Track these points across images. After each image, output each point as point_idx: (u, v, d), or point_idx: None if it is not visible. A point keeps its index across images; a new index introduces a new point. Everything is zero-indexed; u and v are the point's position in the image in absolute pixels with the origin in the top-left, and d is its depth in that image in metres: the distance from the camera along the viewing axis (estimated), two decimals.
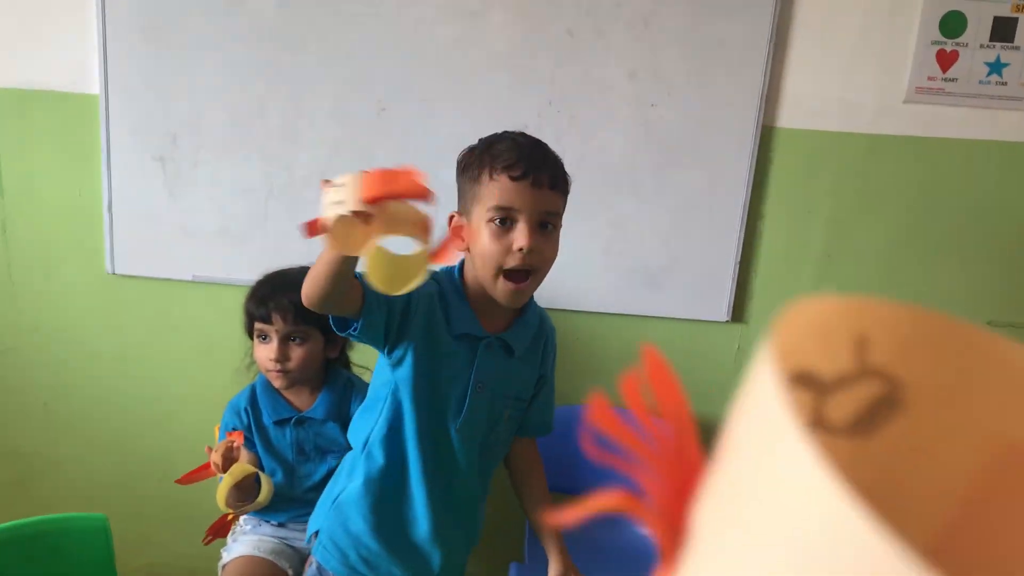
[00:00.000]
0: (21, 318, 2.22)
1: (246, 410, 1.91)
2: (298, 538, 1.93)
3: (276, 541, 1.92)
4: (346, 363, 1.99)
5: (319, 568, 1.58)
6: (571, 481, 1.77)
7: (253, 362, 1.92)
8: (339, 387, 1.92)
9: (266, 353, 1.84)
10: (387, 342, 1.43)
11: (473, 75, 2.01)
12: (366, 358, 1.98)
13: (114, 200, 2.12)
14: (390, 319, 1.39)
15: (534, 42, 1.99)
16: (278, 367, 1.82)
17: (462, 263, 1.53)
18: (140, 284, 2.18)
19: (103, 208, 2.12)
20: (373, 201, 1.05)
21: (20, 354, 2.25)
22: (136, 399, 2.29)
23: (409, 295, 1.41)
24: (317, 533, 1.60)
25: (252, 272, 2.12)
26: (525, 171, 1.38)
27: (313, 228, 1.09)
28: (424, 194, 1.05)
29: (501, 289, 1.42)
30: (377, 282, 1.10)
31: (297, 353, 1.84)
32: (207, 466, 1.75)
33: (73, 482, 2.36)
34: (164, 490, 2.36)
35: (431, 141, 2.00)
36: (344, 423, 1.87)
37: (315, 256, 1.30)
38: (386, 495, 1.53)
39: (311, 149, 2.07)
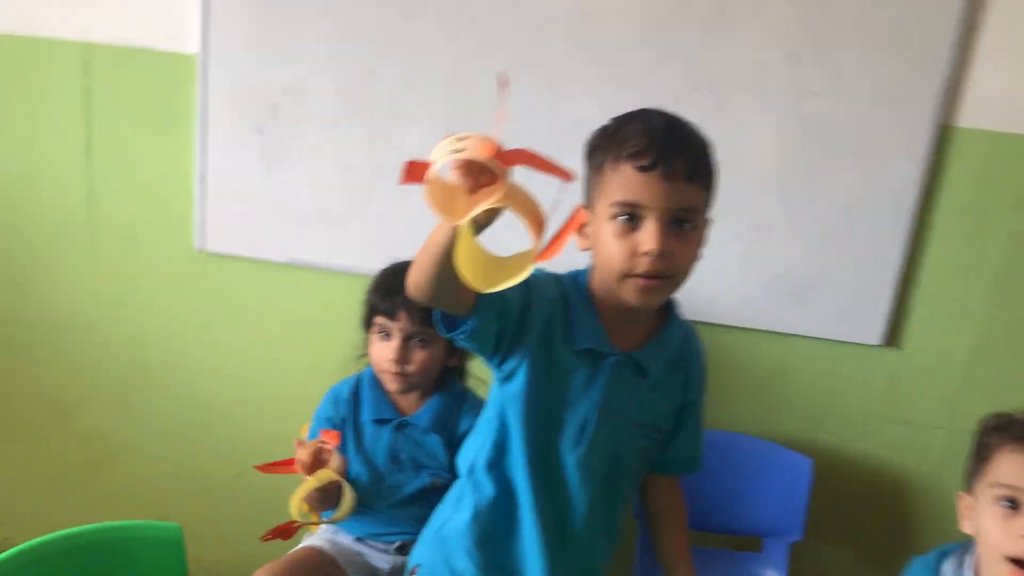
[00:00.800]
0: (104, 290, 2.08)
1: (347, 401, 1.75)
2: (377, 557, 1.73)
3: (354, 552, 1.74)
4: (462, 375, 1.79)
5: None
6: (702, 518, 1.54)
7: (364, 355, 1.75)
8: (451, 397, 1.73)
9: (384, 352, 1.67)
10: (497, 351, 1.23)
11: (607, 51, 1.79)
12: (487, 371, 1.79)
13: (207, 172, 1.96)
14: (503, 323, 1.19)
15: (679, 16, 1.76)
16: (396, 368, 1.66)
17: (587, 270, 1.32)
18: (229, 263, 2.02)
19: (194, 180, 1.96)
20: (502, 160, 0.86)
21: (101, 329, 2.12)
22: (217, 387, 2.14)
23: (529, 297, 1.21)
24: (417, 568, 1.41)
25: (350, 259, 1.95)
26: (654, 160, 1.17)
27: (414, 171, 0.89)
28: (566, 174, 0.87)
29: (629, 288, 1.21)
30: (466, 270, 0.91)
31: (419, 356, 1.67)
32: (291, 462, 1.57)
33: (146, 468, 2.22)
34: (238, 485, 2.21)
35: (555, 123, 1.78)
36: (449, 438, 1.68)
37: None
38: (494, 531, 1.34)
39: (422, 127, 1.87)
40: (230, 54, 1.88)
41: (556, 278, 1.29)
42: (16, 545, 1.40)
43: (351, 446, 1.71)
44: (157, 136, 1.96)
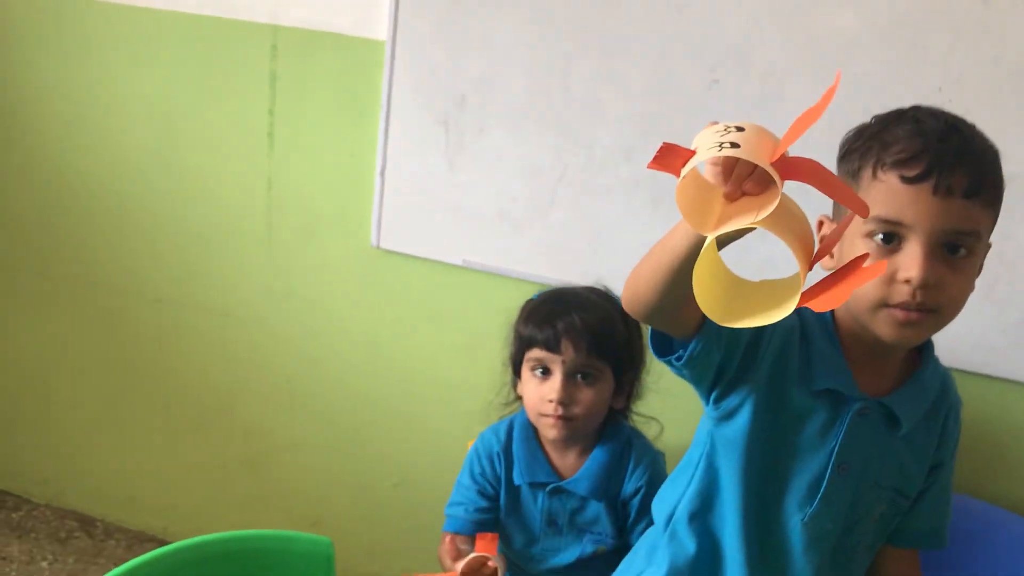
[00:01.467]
0: (276, 283, 2.02)
1: (499, 456, 1.55)
2: None
3: None
4: (627, 416, 1.60)
5: None
6: None
7: (514, 400, 1.57)
8: (615, 449, 1.51)
9: (543, 392, 1.45)
10: (717, 383, 1.05)
11: (837, 46, 1.57)
12: (651, 406, 1.61)
13: (388, 165, 1.86)
14: (731, 351, 1.00)
15: (928, 9, 1.52)
16: (559, 412, 1.43)
17: None
18: (404, 262, 1.92)
19: (375, 173, 1.87)
20: (781, 169, 0.67)
21: (271, 322, 2.06)
22: (383, 390, 2.04)
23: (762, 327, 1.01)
24: None
25: (527, 265, 1.81)
26: (926, 170, 0.97)
27: (669, 157, 0.71)
28: (862, 207, 0.68)
29: (883, 321, 1.01)
30: (703, 293, 0.72)
31: (586, 396, 1.44)
32: None
33: (305, 469, 2.15)
34: (396, 496, 2.11)
35: (775, 126, 1.58)
36: (612, 503, 1.49)
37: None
38: None
39: (616, 126, 1.70)
40: (419, 42, 1.77)
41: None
42: (176, 535, 1.35)
43: (503, 507, 1.55)
44: (340, 125, 1.87)
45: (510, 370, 1.56)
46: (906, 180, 0.97)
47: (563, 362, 1.43)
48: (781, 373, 1.05)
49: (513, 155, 1.77)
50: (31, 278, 2.17)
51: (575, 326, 1.43)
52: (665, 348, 1.02)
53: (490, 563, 1.30)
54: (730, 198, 0.72)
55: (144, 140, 2.00)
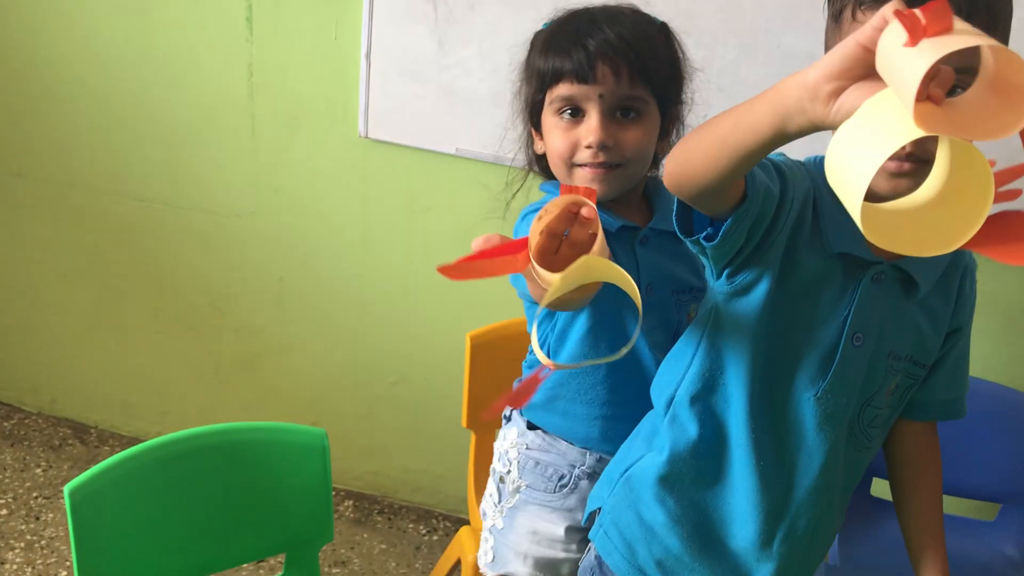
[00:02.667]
0: (261, 178, 1.94)
1: None
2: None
3: (560, 544, 1.29)
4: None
5: (598, 560, 1.17)
6: (953, 476, 1.25)
7: (530, 168, 1.27)
8: (672, 200, 1.21)
9: (577, 136, 1.13)
10: (737, 258, 0.97)
11: None
12: None
13: (374, 48, 1.76)
14: (758, 224, 0.93)
15: None
16: (601, 158, 1.12)
17: None
18: (394, 152, 1.83)
19: (360, 56, 1.77)
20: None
21: (258, 219, 1.98)
22: (378, 286, 1.98)
23: (784, 189, 0.94)
24: (598, 512, 1.19)
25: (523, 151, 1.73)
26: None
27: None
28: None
29: (882, 176, 0.93)
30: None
31: (632, 136, 1.14)
32: (513, 247, 0.91)
33: (300, 369, 2.11)
34: (396, 395, 2.07)
35: None
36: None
37: None
38: (699, 480, 1.10)
39: None
40: None
41: (803, 165, 1.02)
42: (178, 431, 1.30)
43: None
44: (322, 5, 1.76)
45: (523, 126, 1.26)
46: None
47: (600, 95, 1.12)
48: (795, 241, 0.98)
49: (508, 29, 1.66)
50: (7, 179, 2.09)
51: (611, 44, 1.11)
52: (689, 225, 0.95)
53: (585, 210, 0.88)
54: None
55: (116, 30, 1.89)
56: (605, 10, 1.18)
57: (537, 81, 1.18)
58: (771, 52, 1.63)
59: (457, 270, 0.90)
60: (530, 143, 1.26)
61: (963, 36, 0.61)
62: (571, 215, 0.88)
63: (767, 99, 0.74)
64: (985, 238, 0.68)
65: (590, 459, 1.27)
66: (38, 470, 2.14)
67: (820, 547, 1.17)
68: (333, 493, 1.40)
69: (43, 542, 1.95)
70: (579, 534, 1.28)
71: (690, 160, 0.83)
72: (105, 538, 1.26)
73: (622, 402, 1.24)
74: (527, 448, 1.30)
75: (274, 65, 1.84)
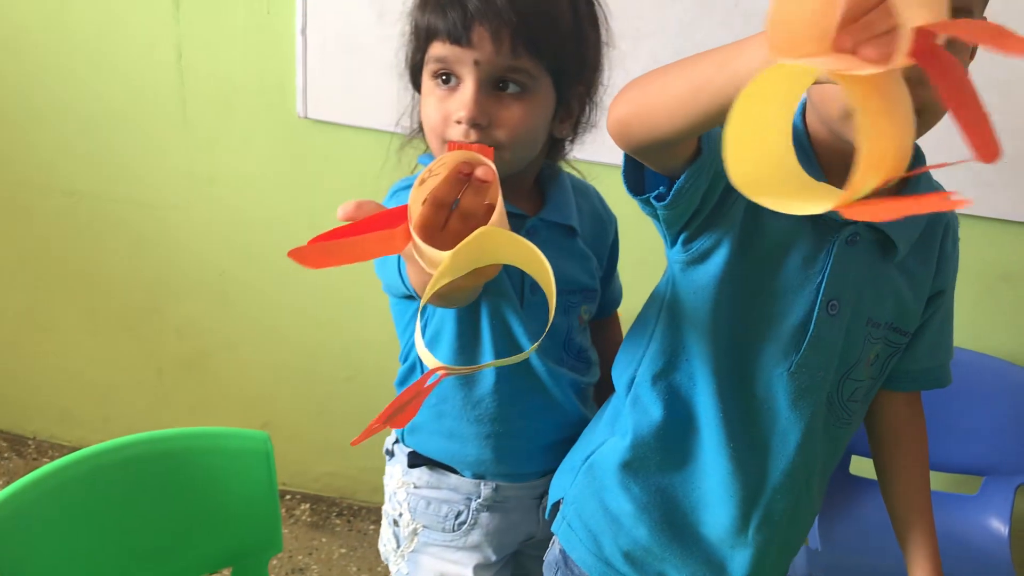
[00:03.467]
0: (195, 166, 1.83)
1: None
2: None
3: None
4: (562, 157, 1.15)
5: (563, 555, 1.08)
6: (933, 449, 1.18)
7: (419, 131, 1.10)
8: (567, 189, 1.12)
9: (449, 108, 0.97)
10: (692, 222, 0.89)
11: None
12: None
13: (309, 22, 1.65)
14: (714, 184, 0.84)
15: None
16: (472, 136, 0.96)
17: (804, 105, 0.95)
18: (336, 133, 1.73)
19: (296, 31, 1.66)
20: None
21: (195, 210, 1.87)
22: (326, 276, 1.87)
23: None
24: (560, 504, 1.10)
25: None
26: None
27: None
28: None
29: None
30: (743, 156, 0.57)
31: (512, 114, 0.97)
32: (385, 218, 0.72)
33: (248, 368, 2.00)
34: (351, 390, 1.97)
35: None
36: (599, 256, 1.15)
37: None
38: (665, 465, 1.01)
39: None
40: None
41: None
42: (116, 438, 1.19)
43: None
44: None
45: (410, 85, 1.09)
46: None
47: (476, 62, 0.95)
48: (757, 206, 0.89)
49: None
50: None
51: (493, 2, 0.94)
52: (640, 184, 0.85)
53: (480, 171, 0.70)
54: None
55: (31, 12, 1.76)
56: None
57: (416, 38, 1.01)
58: (729, 11, 1.54)
59: (315, 254, 0.69)
60: (417, 107, 1.08)
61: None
62: (462, 178, 0.70)
63: (753, 40, 0.63)
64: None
65: (485, 490, 1.14)
66: None
67: (799, 531, 1.09)
68: (288, 497, 1.30)
69: None
70: (490, 569, 1.17)
71: (649, 105, 0.72)
72: (31, 560, 1.15)
73: (514, 416, 1.09)
74: (415, 487, 1.17)
75: (203, 44, 1.73)
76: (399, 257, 0.92)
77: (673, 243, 0.93)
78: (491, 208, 0.69)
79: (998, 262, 1.60)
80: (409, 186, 0.83)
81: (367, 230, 0.69)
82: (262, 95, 1.74)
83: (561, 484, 1.10)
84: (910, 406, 1.11)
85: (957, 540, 1.53)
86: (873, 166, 0.54)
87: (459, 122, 0.95)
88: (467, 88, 0.95)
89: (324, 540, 1.98)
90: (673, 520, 1.02)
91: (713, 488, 1.00)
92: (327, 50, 1.66)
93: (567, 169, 1.15)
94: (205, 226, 1.88)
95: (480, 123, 0.95)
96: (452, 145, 0.70)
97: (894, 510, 1.10)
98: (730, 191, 0.87)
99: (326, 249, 0.69)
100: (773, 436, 0.98)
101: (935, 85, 0.50)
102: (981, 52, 1.26)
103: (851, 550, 1.50)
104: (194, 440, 1.28)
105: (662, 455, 1.01)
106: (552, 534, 1.11)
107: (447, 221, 0.71)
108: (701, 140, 0.79)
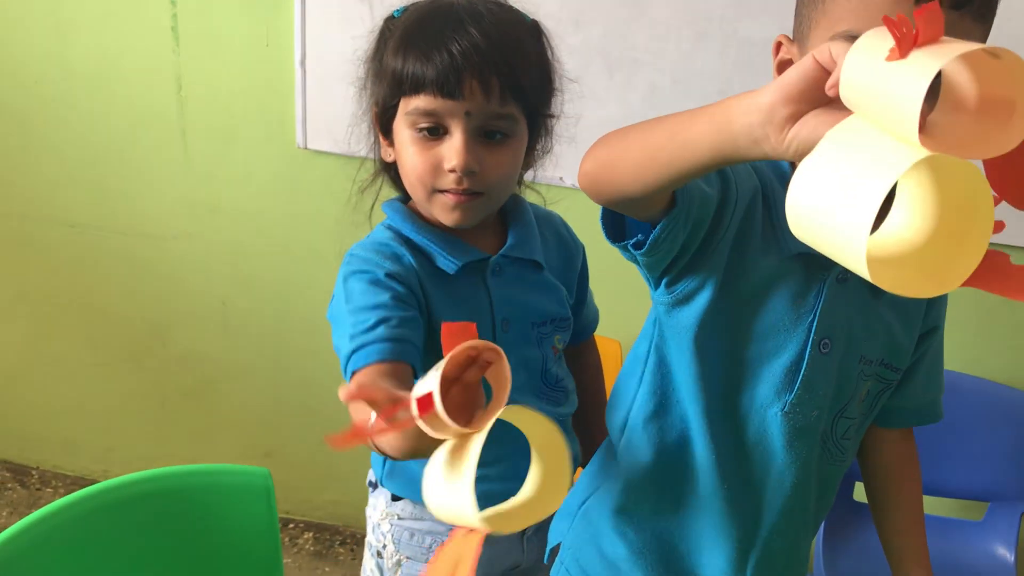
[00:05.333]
0: (197, 196, 1.83)
1: (402, 248, 1.02)
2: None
3: None
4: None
5: None
6: (938, 475, 1.17)
7: (377, 176, 1.11)
8: (529, 224, 1.11)
9: (437, 157, 0.97)
10: (674, 266, 0.88)
11: None
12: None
13: (308, 53, 1.66)
14: (696, 229, 0.84)
15: None
16: (465, 185, 0.98)
17: None
18: (336, 163, 1.73)
19: (295, 63, 1.67)
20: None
21: (196, 240, 1.87)
22: (325, 305, 1.87)
23: (725, 190, 0.85)
24: (558, 547, 1.09)
25: None
26: None
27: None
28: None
29: None
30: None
31: (499, 160, 0.99)
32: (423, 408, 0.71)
33: (252, 397, 2.00)
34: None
35: None
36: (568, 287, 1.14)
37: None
38: (659, 509, 1.01)
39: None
40: None
41: (753, 164, 0.93)
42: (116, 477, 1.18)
43: (440, 314, 1.02)
44: (252, 10, 1.66)
45: (370, 127, 1.08)
46: None
47: (468, 113, 0.96)
48: (744, 244, 0.88)
49: None
50: None
51: (480, 50, 0.94)
52: (618, 231, 0.85)
53: (489, 354, 0.71)
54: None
55: (34, 45, 1.78)
56: (469, 5, 1.00)
57: (391, 85, 0.99)
58: (727, 40, 1.55)
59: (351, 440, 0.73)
60: (378, 147, 1.08)
61: (958, 43, 0.53)
62: (468, 359, 0.72)
63: (711, 114, 0.65)
64: (980, 275, 0.60)
65: None
66: None
67: (798, 570, 1.08)
68: (291, 526, 1.30)
69: None
70: None
71: (612, 165, 0.74)
72: None
73: (490, 461, 1.00)
74: (399, 519, 1.16)
75: (204, 76, 1.74)
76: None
77: (657, 286, 0.93)
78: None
79: None
80: (363, 258, 0.99)
81: (398, 427, 0.74)
82: (262, 126, 1.75)
83: (559, 529, 1.09)
84: (903, 442, 1.10)
85: (962, 567, 1.52)
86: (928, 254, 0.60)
87: (452, 171, 0.97)
88: (457, 138, 0.96)
89: (327, 569, 1.97)
90: (670, 564, 1.01)
91: (708, 532, 0.99)
92: (326, 81, 1.67)
93: (530, 196, 1.16)
94: (206, 256, 1.88)
95: (474, 170, 0.97)
96: (446, 331, 0.70)
97: (890, 545, 1.09)
98: (712, 236, 0.86)
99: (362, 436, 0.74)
100: (768, 477, 0.97)
101: None
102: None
103: None
104: (195, 478, 1.28)
105: (656, 499, 1.00)
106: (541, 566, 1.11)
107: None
108: (676, 193, 0.78)
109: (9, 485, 2.11)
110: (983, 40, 0.83)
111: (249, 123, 1.75)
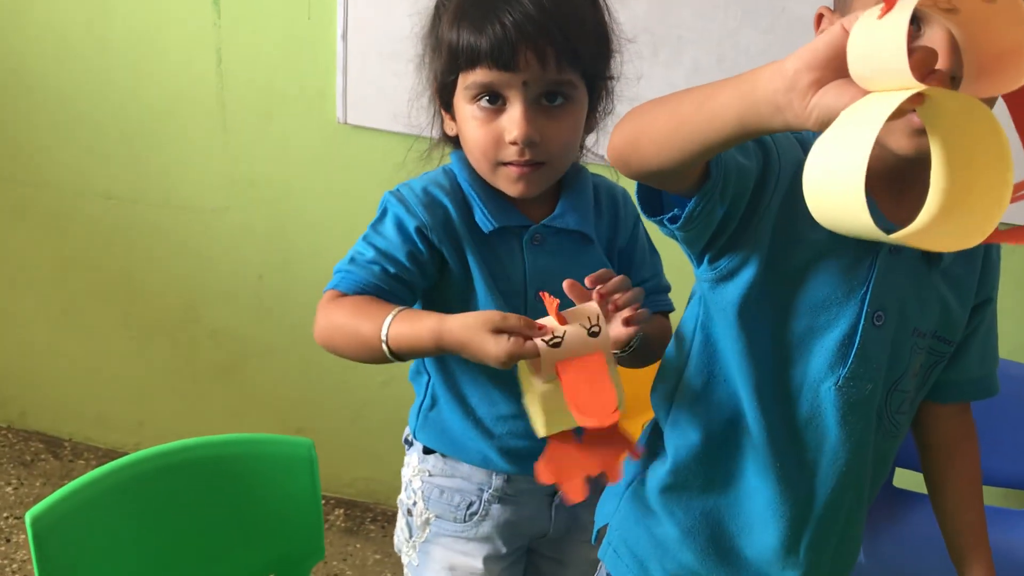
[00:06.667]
0: (236, 170, 1.83)
1: (447, 199, 1.04)
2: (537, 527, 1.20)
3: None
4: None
5: None
6: (983, 463, 1.15)
7: (439, 144, 1.13)
8: (586, 193, 1.10)
9: (498, 129, 0.98)
10: (715, 241, 0.87)
11: None
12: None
13: (350, 27, 1.65)
14: (736, 202, 0.83)
15: None
16: (527, 156, 0.99)
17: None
18: (376, 139, 1.72)
19: (336, 37, 1.66)
20: None
21: (234, 214, 1.87)
22: None
23: (766, 163, 0.85)
24: (606, 529, 1.08)
25: None
26: None
27: None
28: None
29: (899, 134, 0.82)
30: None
31: (560, 129, 1.00)
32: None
33: (284, 374, 1.99)
34: (386, 395, 1.96)
35: None
36: (606, 249, 1.12)
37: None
38: (708, 488, 1.00)
39: None
40: None
41: (796, 135, 0.91)
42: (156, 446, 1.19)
43: (475, 268, 1.04)
44: None
45: (431, 98, 1.09)
46: None
47: (525, 83, 0.96)
48: (791, 216, 0.87)
49: None
50: None
51: (534, 20, 0.94)
52: (655, 205, 0.84)
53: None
54: None
55: (75, 16, 1.78)
56: None
57: (448, 59, 1.00)
58: (776, 18, 1.53)
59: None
60: (440, 120, 1.10)
61: None
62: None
63: (737, 83, 0.64)
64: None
65: (497, 480, 1.13)
66: (8, 488, 2.02)
67: (852, 549, 1.07)
68: (323, 503, 1.29)
69: (14, 566, 1.83)
70: (501, 562, 1.16)
71: (640, 139, 0.74)
72: (74, 567, 1.15)
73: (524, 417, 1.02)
74: (429, 475, 1.17)
75: (244, 49, 1.73)
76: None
77: (699, 262, 0.92)
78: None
79: None
80: (411, 195, 1.04)
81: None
82: (302, 100, 1.74)
83: (605, 510, 1.09)
84: (961, 416, 1.08)
85: (1009, 556, 1.50)
86: (948, 206, 0.56)
87: (513, 143, 0.98)
88: (516, 109, 0.97)
89: (359, 546, 1.97)
90: (719, 543, 1.00)
91: (760, 510, 0.98)
92: (367, 56, 1.66)
93: (599, 171, 1.15)
94: (244, 231, 1.88)
95: (535, 140, 0.98)
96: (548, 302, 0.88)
97: (946, 525, 1.08)
98: (754, 211, 0.85)
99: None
100: (822, 454, 0.96)
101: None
102: None
103: (897, 564, 1.48)
104: (238, 447, 1.27)
105: (704, 479, 0.99)
106: (599, 560, 1.10)
107: None
108: (710, 165, 0.77)
109: (43, 456, 2.12)
110: None
111: (289, 97, 1.74)
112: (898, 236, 0.57)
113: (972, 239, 0.57)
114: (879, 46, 0.53)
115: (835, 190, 0.56)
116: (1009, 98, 0.58)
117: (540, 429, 0.92)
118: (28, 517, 1.07)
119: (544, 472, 0.91)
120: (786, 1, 1.51)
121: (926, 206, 0.59)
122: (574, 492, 0.91)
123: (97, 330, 2.05)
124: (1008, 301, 1.43)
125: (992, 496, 1.65)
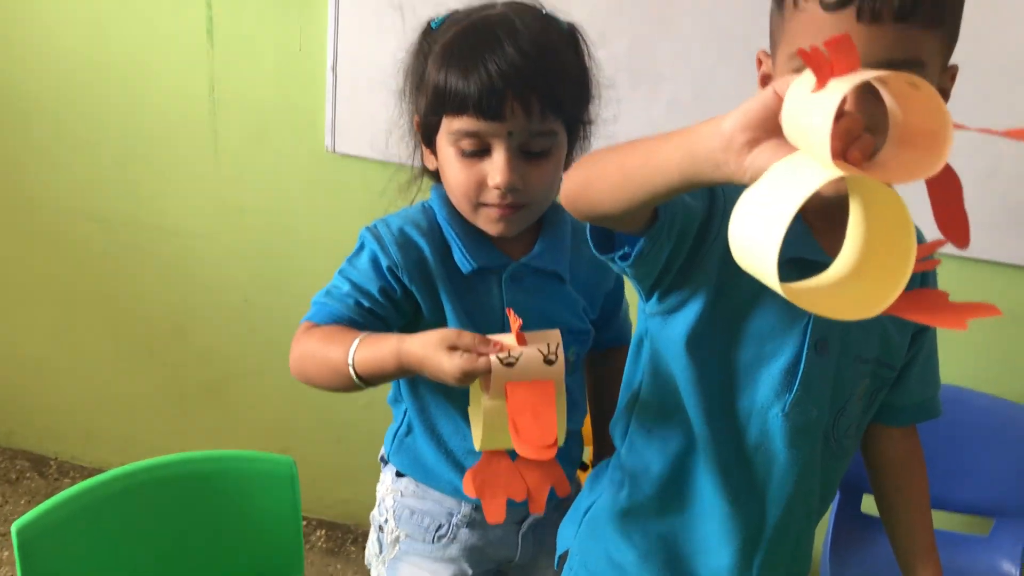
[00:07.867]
0: (224, 195, 1.87)
1: (424, 237, 1.07)
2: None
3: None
4: None
5: None
6: (945, 490, 1.20)
7: (420, 177, 1.15)
8: (563, 230, 1.14)
9: (480, 174, 1.02)
10: (663, 278, 0.91)
11: None
12: None
13: (340, 59, 1.70)
14: (681, 241, 0.87)
15: None
16: (508, 200, 1.02)
17: None
18: (364, 167, 1.77)
19: (327, 68, 1.71)
20: None
21: (222, 238, 1.91)
22: None
23: (711, 203, 0.89)
24: (567, 555, 1.12)
25: None
26: None
27: None
28: None
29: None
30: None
31: (540, 175, 1.03)
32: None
33: (269, 395, 2.03)
34: (368, 418, 1.98)
35: None
36: (580, 288, 1.16)
37: None
38: (663, 513, 1.04)
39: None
40: None
41: None
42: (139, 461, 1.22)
43: (449, 308, 1.08)
44: (286, 15, 1.70)
45: (412, 131, 1.12)
46: (827, 6, 0.79)
47: (509, 133, 1.00)
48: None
49: None
50: None
51: (518, 69, 0.97)
52: (606, 243, 0.88)
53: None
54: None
55: (71, 43, 1.82)
56: (505, 19, 1.02)
57: (434, 100, 1.03)
58: (751, 56, 1.58)
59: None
60: (419, 154, 1.13)
61: (870, 71, 0.57)
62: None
63: (680, 139, 0.69)
64: (908, 306, 0.62)
65: (466, 508, 1.17)
66: None
67: (803, 566, 1.11)
68: (304, 523, 1.33)
69: None
70: None
71: (590, 186, 0.78)
72: None
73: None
74: (401, 495, 1.21)
75: (236, 78, 1.78)
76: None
77: (648, 297, 0.95)
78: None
79: (1008, 305, 1.62)
80: (387, 232, 1.08)
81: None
82: (292, 128, 1.79)
83: (566, 535, 1.12)
84: (907, 439, 1.13)
85: None
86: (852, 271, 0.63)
87: (496, 187, 1.01)
88: (500, 156, 1.01)
89: (339, 567, 1.99)
90: (676, 566, 1.04)
91: (714, 532, 1.01)
92: (356, 86, 1.71)
93: None
94: (232, 254, 1.92)
95: (517, 186, 1.02)
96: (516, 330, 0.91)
97: (898, 548, 1.12)
98: (700, 246, 0.89)
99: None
100: (771, 477, 1.00)
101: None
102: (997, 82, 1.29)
103: None
104: (219, 463, 1.31)
105: (660, 502, 1.03)
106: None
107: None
108: (658, 207, 0.81)
109: (28, 474, 2.14)
110: (945, 47, 0.85)
111: (279, 126, 1.79)
112: (796, 288, 0.63)
113: (869, 310, 0.61)
114: (807, 125, 0.57)
115: (753, 258, 0.61)
116: (930, 183, 0.61)
117: (477, 442, 0.95)
118: (14, 528, 1.10)
119: (469, 485, 0.94)
120: (761, 40, 1.57)
121: (832, 267, 0.64)
122: (493, 513, 0.94)
123: (85, 350, 2.08)
124: (974, 333, 1.48)
125: (953, 522, 1.69)
